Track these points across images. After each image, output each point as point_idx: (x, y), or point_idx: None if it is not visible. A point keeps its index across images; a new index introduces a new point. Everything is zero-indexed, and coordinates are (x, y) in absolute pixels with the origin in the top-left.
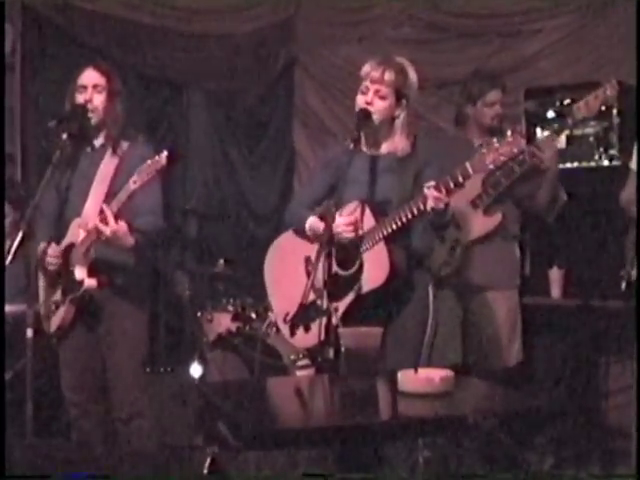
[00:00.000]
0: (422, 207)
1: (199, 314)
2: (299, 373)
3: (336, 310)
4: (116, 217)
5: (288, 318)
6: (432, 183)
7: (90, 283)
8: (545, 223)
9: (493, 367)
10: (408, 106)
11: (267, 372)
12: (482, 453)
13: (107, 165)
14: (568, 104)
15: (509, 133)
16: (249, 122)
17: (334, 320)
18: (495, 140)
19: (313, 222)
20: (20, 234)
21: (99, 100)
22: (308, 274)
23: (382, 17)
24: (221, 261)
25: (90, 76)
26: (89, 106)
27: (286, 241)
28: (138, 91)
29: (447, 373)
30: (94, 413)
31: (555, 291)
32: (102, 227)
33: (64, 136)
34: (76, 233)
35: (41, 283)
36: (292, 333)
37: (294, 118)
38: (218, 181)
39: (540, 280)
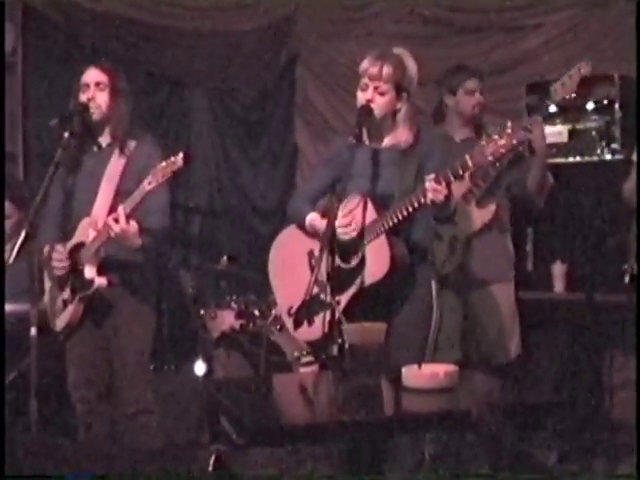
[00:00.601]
0: (422, 200)
1: (202, 312)
2: (303, 370)
3: (338, 303)
4: (128, 217)
5: (292, 311)
6: (432, 176)
7: (101, 282)
8: (548, 217)
9: (494, 361)
10: (409, 98)
11: (271, 369)
12: (486, 448)
13: (115, 164)
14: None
15: (509, 124)
16: (251, 119)
17: (337, 314)
18: (496, 133)
19: (313, 219)
20: (23, 233)
21: (102, 98)
22: (311, 268)
23: (383, 13)
24: (224, 258)
25: (92, 74)
26: (91, 104)
27: (289, 236)
28: (139, 89)
29: (451, 368)
30: (101, 410)
31: (558, 286)
32: (112, 225)
33: (66, 135)
34: (85, 232)
35: (47, 283)
36: (296, 326)
37: (296, 115)
38: (220, 178)
39: (543, 275)
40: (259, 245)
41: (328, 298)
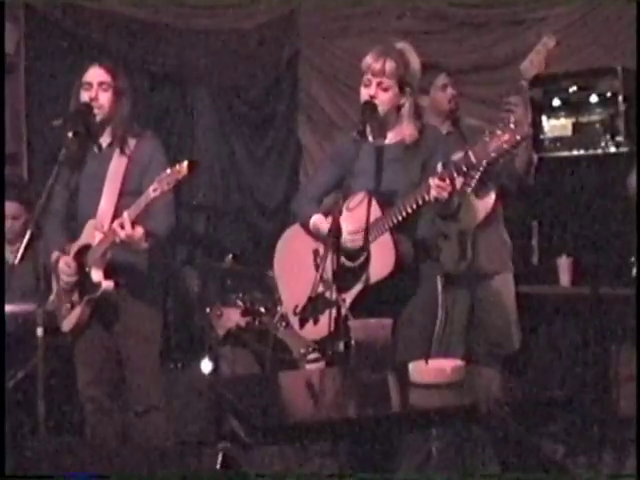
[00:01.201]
0: (426, 197)
1: (208, 310)
2: (309, 367)
3: (344, 301)
4: (133, 223)
5: (298, 310)
6: (438, 171)
7: (107, 285)
8: (553, 211)
9: (503, 352)
10: (413, 93)
11: (277, 366)
12: (494, 442)
13: (117, 165)
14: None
15: (512, 119)
16: (254, 117)
17: (343, 310)
18: (499, 128)
19: (317, 221)
20: (28, 234)
21: (105, 98)
22: (317, 266)
23: (385, 8)
24: (229, 256)
25: (95, 73)
26: (94, 104)
27: (294, 234)
28: (142, 88)
29: (458, 363)
30: (110, 409)
31: (564, 279)
32: (118, 231)
33: (70, 134)
34: (91, 234)
35: (55, 287)
36: (302, 325)
37: (299, 112)
38: (225, 176)
39: (549, 269)
40: (264, 243)
41: (334, 296)
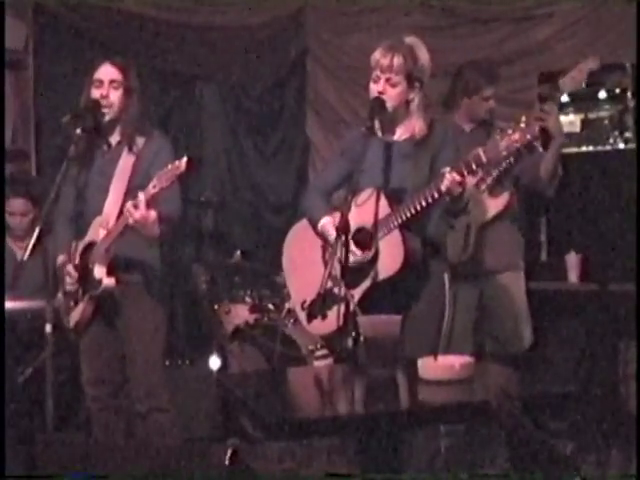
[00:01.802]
0: (436, 194)
1: (216, 306)
2: (317, 363)
3: (352, 297)
4: (147, 205)
5: (305, 305)
6: (447, 169)
7: (108, 282)
8: (561, 207)
9: (512, 350)
10: (422, 88)
11: (285, 363)
12: (504, 438)
13: (124, 163)
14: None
15: (523, 119)
16: (262, 113)
17: (352, 306)
18: (509, 127)
19: (325, 225)
20: (37, 231)
21: (115, 96)
22: (325, 262)
23: (394, 4)
24: (237, 253)
25: (107, 71)
26: (104, 102)
27: (302, 230)
28: (151, 85)
29: (467, 359)
30: (114, 407)
31: (572, 276)
32: (132, 211)
33: (78, 131)
34: (96, 231)
35: (59, 289)
36: (309, 320)
37: (307, 108)
38: (233, 173)
39: (557, 265)
40: (272, 239)
41: (342, 292)
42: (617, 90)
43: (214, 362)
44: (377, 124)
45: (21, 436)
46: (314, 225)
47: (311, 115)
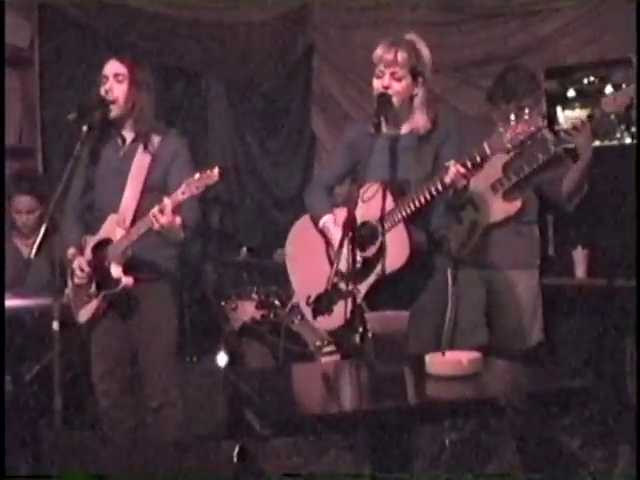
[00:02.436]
0: (440, 187)
1: (223, 303)
2: (324, 360)
3: (358, 292)
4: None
5: (310, 301)
6: (452, 162)
7: (127, 281)
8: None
9: (516, 347)
10: (425, 83)
11: (293, 359)
12: (512, 433)
13: (140, 162)
14: (593, 90)
15: (526, 111)
16: (268, 109)
17: (359, 301)
18: (512, 119)
19: (326, 223)
20: (43, 228)
21: (119, 90)
22: (328, 257)
23: (399, 0)
24: (244, 249)
25: (112, 66)
26: (109, 96)
27: (305, 225)
28: (156, 81)
29: (475, 355)
30: (125, 403)
31: (580, 271)
32: (159, 216)
33: (84, 128)
34: (112, 229)
35: (68, 282)
36: (315, 315)
37: (313, 104)
38: (239, 169)
39: (564, 260)
40: (279, 235)
41: (349, 287)
42: (623, 85)
43: (221, 358)
44: (384, 120)
45: (29, 434)
46: (316, 221)
47: (317, 111)
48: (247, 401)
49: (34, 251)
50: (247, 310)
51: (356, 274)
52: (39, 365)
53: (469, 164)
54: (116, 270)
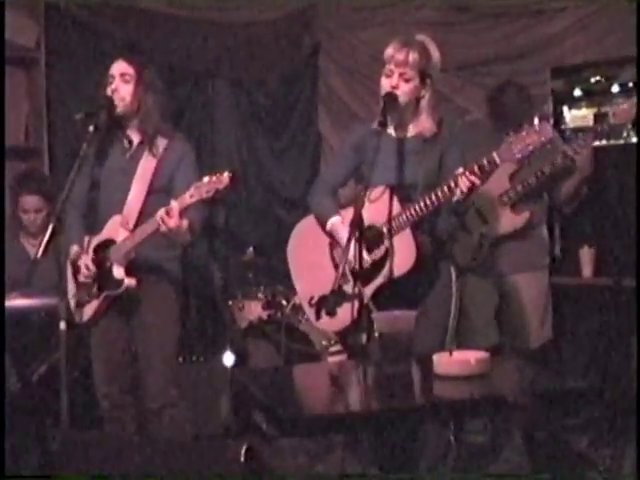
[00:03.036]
0: (448, 194)
1: (230, 303)
2: (331, 359)
3: (364, 294)
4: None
5: (313, 302)
6: (460, 170)
7: (130, 282)
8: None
9: (526, 347)
10: (432, 86)
11: (299, 359)
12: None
13: (146, 164)
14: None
15: (536, 121)
16: (274, 109)
17: (365, 301)
18: (523, 129)
19: (335, 225)
20: (50, 228)
21: (126, 90)
22: (332, 259)
23: (404, 0)
24: (250, 249)
25: (119, 66)
26: (115, 95)
27: (309, 226)
28: (162, 81)
29: (483, 355)
30: (126, 405)
31: (586, 270)
32: (166, 219)
33: (91, 128)
34: (116, 230)
35: (70, 280)
36: (318, 317)
37: (319, 104)
38: (245, 169)
39: (571, 260)
40: (285, 235)
41: (356, 288)
42: (630, 84)
43: (228, 358)
44: (390, 120)
45: (36, 434)
46: (322, 223)
47: (323, 110)
48: (254, 401)
49: (41, 251)
50: (253, 310)
51: (362, 278)
52: (46, 365)
53: (478, 173)
54: (118, 271)
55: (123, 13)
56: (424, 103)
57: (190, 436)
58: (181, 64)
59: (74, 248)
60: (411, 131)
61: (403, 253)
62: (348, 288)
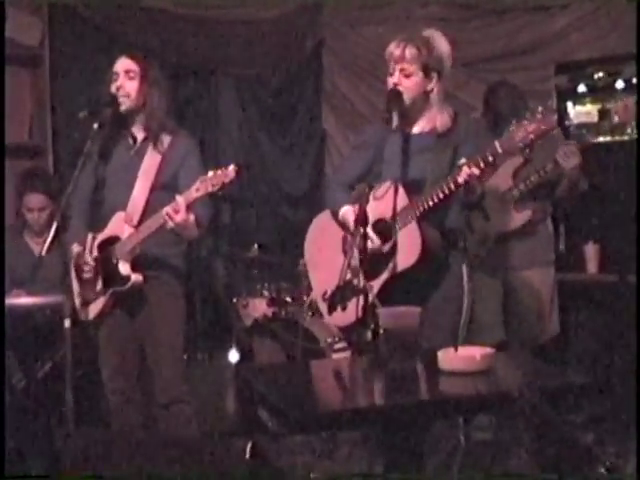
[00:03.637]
0: (453, 186)
1: (235, 300)
2: (336, 356)
3: (371, 289)
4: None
5: (326, 296)
6: (463, 161)
7: (137, 279)
8: (580, 198)
9: (532, 343)
10: (441, 79)
11: (304, 355)
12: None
13: (150, 161)
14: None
15: (539, 109)
16: (278, 106)
17: (370, 298)
18: (525, 118)
19: (345, 213)
20: (54, 226)
21: (131, 86)
22: (344, 252)
23: None
24: (255, 246)
25: (123, 63)
26: (121, 92)
27: (324, 220)
28: (166, 79)
29: (487, 350)
30: (134, 400)
31: (591, 266)
32: (172, 215)
33: (95, 126)
34: (120, 226)
35: (74, 279)
36: (330, 311)
37: (323, 101)
38: (249, 166)
39: (576, 256)
40: (289, 232)
41: (361, 283)
42: (634, 80)
43: (233, 355)
44: (396, 116)
45: (41, 431)
46: (336, 216)
47: (327, 107)
48: (259, 398)
49: (45, 249)
50: (258, 307)
51: (370, 271)
52: (51, 362)
53: (482, 164)
54: (125, 267)
55: (127, 11)
56: (434, 97)
57: (196, 433)
58: (185, 61)
59: (74, 248)
60: (422, 126)
61: (408, 248)
62: (358, 282)
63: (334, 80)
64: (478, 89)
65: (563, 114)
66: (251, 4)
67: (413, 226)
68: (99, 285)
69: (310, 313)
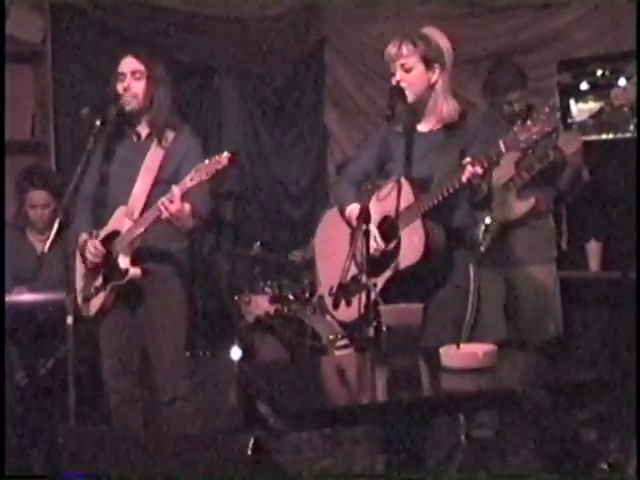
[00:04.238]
0: (457, 185)
1: (237, 297)
2: (338, 353)
3: (375, 286)
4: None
5: (332, 292)
6: (468, 159)
7: (135, 272)
8: (581, 195)
9: (535, 340)
10: (444, 71)
11: (306, 353)
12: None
13: (153, 156)
14: (605, 81)
15: (546, 110)
16: (281, 104)
17: (373, 295)
18: (529, 119)
19: (352, 210)
20: (57, 223)
21: (138, 87)
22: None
23: None
24: (257, 243)
25: (129, 63)
26: (127, 93)
27: (332, 217)
28: (170, 76)
29: (490, 347)
30: (135, 398)
31: (593, 264)
32: (168, 205)
33: (97, 123)
34: (121, 221)
35: (79, 269)
36: (335, 306)
37: (326, 98)
38: (252, 163)
39: (578, 253)
40: (291, 229)
41: (364, 280)
42: (636, 77)
43: (235, 353)
44: (400, 114)
45: (43, 428)
46: (343, 212)
47: (329, 105)
48: (261, 395)
49: (48, 246)
50: (260, 304)
51: (374, 268)
52: (53, 360)
53: (485, 163)
54: (124, 261)
55: (130, 8)
56: (439, 88)
57: (198, 430)
58: (188, 59)
59: (82, 236)
60: (429, 122)
61: (412, 245)
62: (363, 278)
63: (336, 77)
64: (479, 87)
65: (565, 111)
66: (254, 2)
67: (417, 224)
68: (99, 280)
69: (312, 310)
